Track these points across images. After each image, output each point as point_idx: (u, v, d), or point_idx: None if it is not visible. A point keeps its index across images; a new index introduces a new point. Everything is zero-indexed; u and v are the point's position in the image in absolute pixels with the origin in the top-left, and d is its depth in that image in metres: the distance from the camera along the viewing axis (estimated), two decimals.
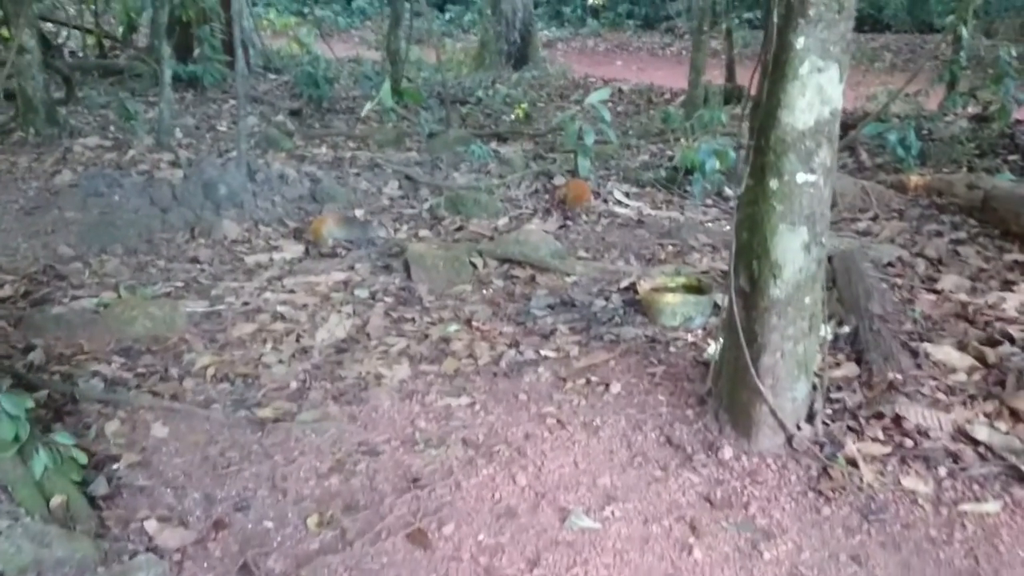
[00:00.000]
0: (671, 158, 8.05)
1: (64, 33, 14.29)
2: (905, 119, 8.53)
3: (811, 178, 2.86)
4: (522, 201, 7.14)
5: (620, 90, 12.98)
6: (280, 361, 4.09)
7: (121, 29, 14.50)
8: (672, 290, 4.60)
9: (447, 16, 22.97)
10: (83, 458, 2.85)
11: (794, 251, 2.92)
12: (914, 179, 6.46)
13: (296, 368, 4.01)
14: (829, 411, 3.29)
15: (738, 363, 3.12)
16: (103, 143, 8.65)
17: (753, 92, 3.00)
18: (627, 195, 7.27)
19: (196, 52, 11.91)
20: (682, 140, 8.14)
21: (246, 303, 4.84)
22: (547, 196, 7.20)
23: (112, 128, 9.34)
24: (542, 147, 9.08)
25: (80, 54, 14.02)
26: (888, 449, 3.09)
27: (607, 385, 3.71)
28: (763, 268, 2.97)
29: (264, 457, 3.21)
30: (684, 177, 7.34)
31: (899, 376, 3.44)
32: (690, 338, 4.20)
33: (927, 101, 9.35)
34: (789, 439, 3.11)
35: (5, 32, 9.82)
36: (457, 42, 18.91)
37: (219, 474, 3.11)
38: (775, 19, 2.80)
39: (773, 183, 2.89)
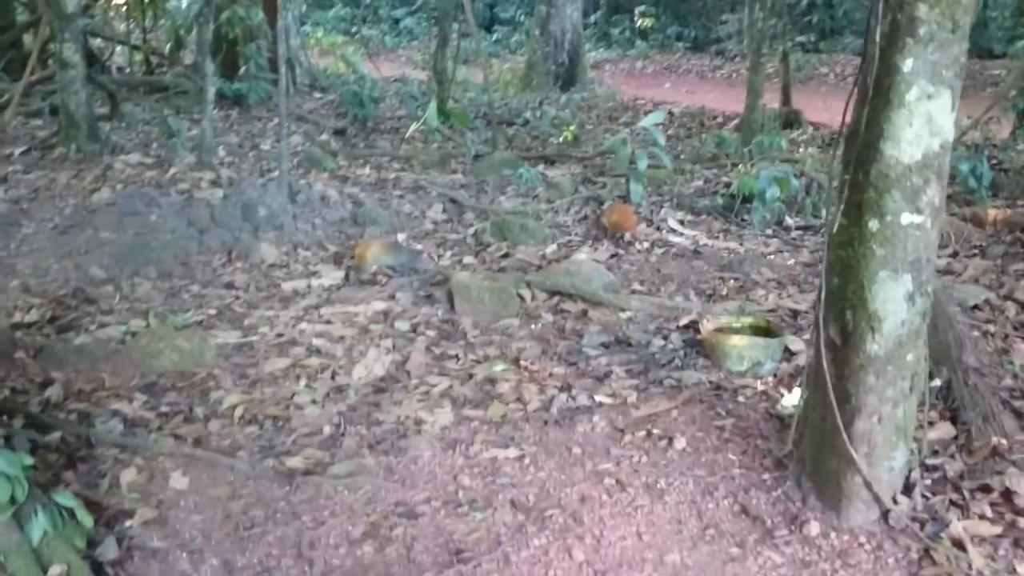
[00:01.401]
0: (727, 185, 7.68)
1: (114, 49, 14.28)
2: (973, 148, 8.07)
3: (917, 219, 2.50)
4: (571, 227, 6.82)
5: (671, 113, 12.62)
6: (313, 401, 3.79)
7: (169, 46, 14.48)
8: (738, 331, 4.23)
9: (494, 36, 22.80)
10: (89, 521, 2.56)
11: (896, 302, 2.56)
12: (992, 212, 6.02)
13: (330, 410, 3.71)
14: (928, 481, 2.90)
15: (825, 425, 2.75)
16: (144, 160, 8.48)
17: (848, 120, 2.65)
18: (682, 223, 6.92)
19: (242, 70, 11.77)
20: (740, 166, 7.76)
21: (280, 334, 4.57)
22: (594, 223, 6.91)
23: (154, 145, 9.18)
24: (591, 171, 8.75)
25: (127, 70, 14.00)
26: (999, 529, 2.70)
27: (670, 439, 3.35)
28: (859, 320, 2.61)
29: (291, 517, 2.90)
30: (742, 205, 6.97)
31: (1003, 441, 3.05)
32: (759, 386, 3.82)
33: (999, 129, 8.87)
34: (885, 514, 2.73)
35: (53, 48, 9.74)
36: (504, 63, 18.70)
37: (241, 536, 2.80)
38: (877, 38, 2.45)
39: (873, 224, 2.53)
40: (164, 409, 3.70)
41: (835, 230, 2.63)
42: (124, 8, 15.58)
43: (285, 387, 3.94)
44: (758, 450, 3.22)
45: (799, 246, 6.29)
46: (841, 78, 18.15)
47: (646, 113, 12.73)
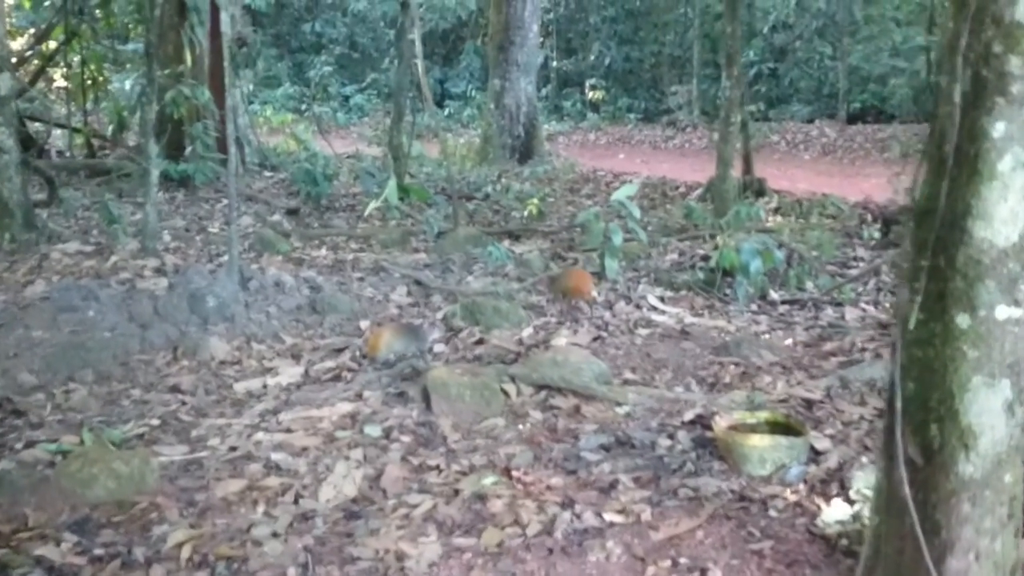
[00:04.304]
0: (705, 258, 7.35)
1: (50, 132, 13.72)
2: None
3: (1016, 313, 2.08)
4: (546, 307, 6.37)
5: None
6: (274, 534, 3.22)
7: (111, 128, 13.97)
8: (753, 428, 3.77)
9: (446, 111, 22.70)
10: None
11: (993, 413, 2.12)
12: None
13: (294, 545, 3.14)
14: None
15: (903, 559, 2.28)
16: (84, 249, 7.91)
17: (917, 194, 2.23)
18: (662, 299, 6.53)
19: (188, 150, 11.28)
20: (718, 238, 7.42)
21: (233, 447, 4.00)
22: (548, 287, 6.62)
23: (95, 232, 8.63)
24: (559, 246, 8.38)
25: (68, 154, 13.43)
26: None
27: (703, 571, 2.85)
28: (948, 435, 2.16)
29: None
30: (723, 279, 6.61)
31: None
32: (790, 495, 3.34)
33: None
34: None
35: None
36: (459, 137, 18.48)
37: None
38: (956, 99, 2.05)
39: (962, 319, 2.10)
40: (98, 552, 3.10)
41: (911, 325, 2.19)
42: (66, 91, 15.09)
43: (240, 516, 3.37)
44: None
45: (791, 323, 5.91)
46: (792, 145, 18.26)
47: (607, 185, 12.51)
